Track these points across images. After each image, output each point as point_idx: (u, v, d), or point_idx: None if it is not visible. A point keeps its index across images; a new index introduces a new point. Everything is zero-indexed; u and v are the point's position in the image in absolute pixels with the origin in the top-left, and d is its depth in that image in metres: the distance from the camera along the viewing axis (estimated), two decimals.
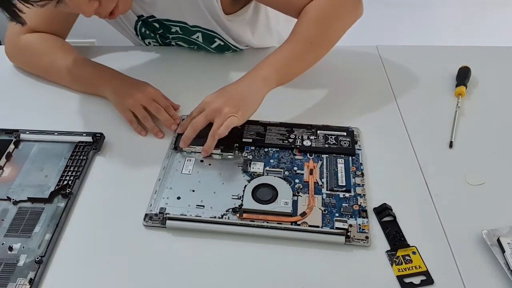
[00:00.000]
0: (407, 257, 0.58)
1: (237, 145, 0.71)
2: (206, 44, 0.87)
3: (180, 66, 0.90)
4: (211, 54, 0.91)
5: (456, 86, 0.83)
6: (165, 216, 0.61)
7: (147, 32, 0.88)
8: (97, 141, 0.71)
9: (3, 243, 0.59)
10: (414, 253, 0.58)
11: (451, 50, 0.93)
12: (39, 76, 0.84)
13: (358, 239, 0.59)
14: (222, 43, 0.87)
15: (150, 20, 0.84)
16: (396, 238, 0.60)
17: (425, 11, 0.90)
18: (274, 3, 0.79)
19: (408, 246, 0.59)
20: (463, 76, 0.84)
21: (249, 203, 0.62)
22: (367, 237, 0.59)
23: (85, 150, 0.71)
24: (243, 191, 0.64)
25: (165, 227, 0.61)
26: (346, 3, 0.74)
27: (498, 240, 0.58)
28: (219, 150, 0.70)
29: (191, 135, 0.68)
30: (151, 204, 0.62)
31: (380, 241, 0.60)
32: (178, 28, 0.84)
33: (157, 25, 0.85)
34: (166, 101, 0.76)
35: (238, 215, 0.61)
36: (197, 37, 0.85)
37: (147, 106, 0.73)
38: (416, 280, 0.56)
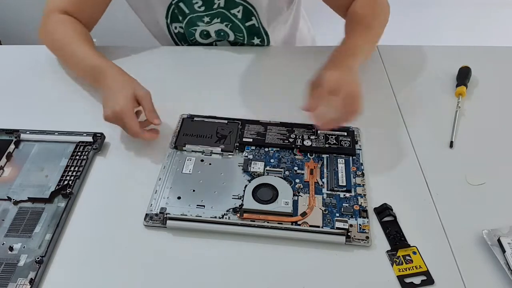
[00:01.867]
0: (407, 257, 0.58)
1: (238, 144, 0.71)
2: (242, 22, 0.88)
3: (181, 66, 0.89)
4: (213, 55, 0.91)
5: (457, 86, 0.83)
6: (165, 216, 0.61)
7: (178, 15, 0.87)
8: (97, 141, 0.71)
9: (3, 243, 0.59)
10: (414, 253, 0.58)
11: (451, 50, 0.93)
12: (57, 56, 0.84)
13: (358, 239, 0.59)
14: (256, 24, 0.89)
15: None
16: (396, 238, 0.60)
17: (425, 11, 0.90)
18: None
19: (408, 246, 0.59)
20: (463, 76, 0.84)
21: (250, 203, 0.62)
22: (367, 237, 0.59)
23: (85, 150, 0.71)
24: (244, 191, 0.64)
25: (166, 227, 0.61)
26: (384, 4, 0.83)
27: (499, 240, 0.58)
28: (219, 150, 0.70)
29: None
30: (151, 204, 0.62)
31: (380, 241, 0.60)
32: (222, 1, 0.84)
33: (199, 1, 0.84)
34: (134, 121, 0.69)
35: (238, 215, 0.61)
36: (238, 11, 0.86)
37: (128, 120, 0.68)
38: (417, 280, 0.56)
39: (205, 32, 0.91)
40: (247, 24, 0.89)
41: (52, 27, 0.83)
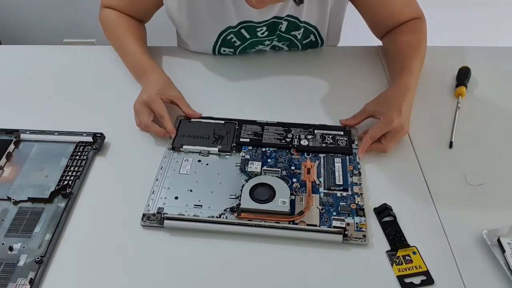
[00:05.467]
0: (407, 257, 0.58)
1: (235, 145, 0.71)
2: (300, 41, 0.89)
3: (176, 68, 0.89)
4: (210, 58, 0.91)
5: (456, 86, 0.83)
6: (163, 216, 0.61)
7: (233, 42, 0.86)
8: (97, 141, 0.71)
9: (3, 243, 0.59)
10: (414, 253, 0.58)
11: (451, 50, 0.93)
12: (114, 48, 0.87)
13: (355, 238, 0.59)
14: (313, 39, 0.89)
15: (258, 24, 0.82)
16: (396, 238, 0.60)
17: (425, 12, 0.90)
18: (378, 11, 0.84)
19: (408, 246, 0.59)
20: (463, 76, 0.84)
21: (247, 202, 0.62)
22: (364, 236, 0.59)
23: (85, 150, 0.71)
24: (241, 190, 0.64)
25: (163, 227, 0.60)
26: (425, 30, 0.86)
27: (498, 240, 0.58)
28: (217, 150, 0.70)
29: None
30: (148, 204, 0.62)
31: (380, 241, 0.60)
32: (285, 24, 0.84)
33: (264, 28, 0.84)
34: (161, 109, 0.72)
35: (236, 214, 0.61)
36: (299, 33, 0.86)
37: (139, 114, 0.73)
38: (417, 280, 0.56)
39: (259, 51, 0.91)
40: (304, 41, 0.89)
41: (111, 22, 0.86)
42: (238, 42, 0.87)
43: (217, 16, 0.82)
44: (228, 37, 0.86)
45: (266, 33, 0.85)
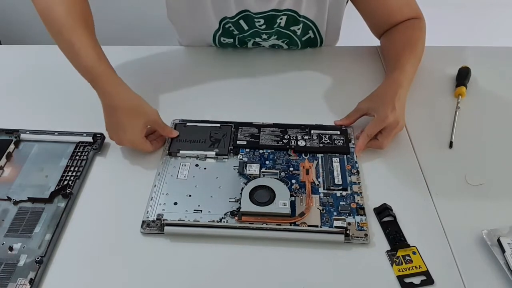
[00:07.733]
0: (407, 257, 0.58)
1: (232, 148, 0.71)
2: (300, 37, 0.89)
3: (169, 69, 0.88)
4: (202, 58, 0.91)
5: (456, 86, 0.83)
6: (162, 222, 0.60)
7: (232, 31, 0.86)
8: (97, 141, 0.71)
9: (3, 243, 0.59)
10: (414, 253, 0.58)
11: (451, 50, 0.93)
12: (52, 38, 0.71)
13: (357, 237, 0.59)
14: (312, 36, 0.89)
15: (255, 15, 0.82)
16: (396, 238, 0.60)
17: (424, 12, 0.90)
18: (377, 9, 0.84)
19: (408, 246, 0.59)
20: (463, 76, 0.84)
21: (247, 205, 0.62)
22: (366, 235, 0.59)
23: (85, 150, 0.71)
24: (241, 193, 0.63)
25: (163, 233, 0.60)
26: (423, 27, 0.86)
27: (498, 240, 0.58)
28: (214, 154, 0.70)
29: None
30: (147, 211, 0.62)
31: (380, 241, 0.60)
32: (284, 19, 0.84)
33: (262, 20, 0.83)
34: (149, 147, 0.70)
35: (236, 218, 0.61)
36: (298, 28, 0.86)
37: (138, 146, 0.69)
38: (416, 280, 0.56)
39: (260, 45, 0.91)
40: (303, 38, 0.89)
41: (52, 7, 0.69)
42: (237, 31, 0.87)
43: (217, 6, 0.82)
44: (227, 28, 0.86)
45: (264, 26, 0.84)
